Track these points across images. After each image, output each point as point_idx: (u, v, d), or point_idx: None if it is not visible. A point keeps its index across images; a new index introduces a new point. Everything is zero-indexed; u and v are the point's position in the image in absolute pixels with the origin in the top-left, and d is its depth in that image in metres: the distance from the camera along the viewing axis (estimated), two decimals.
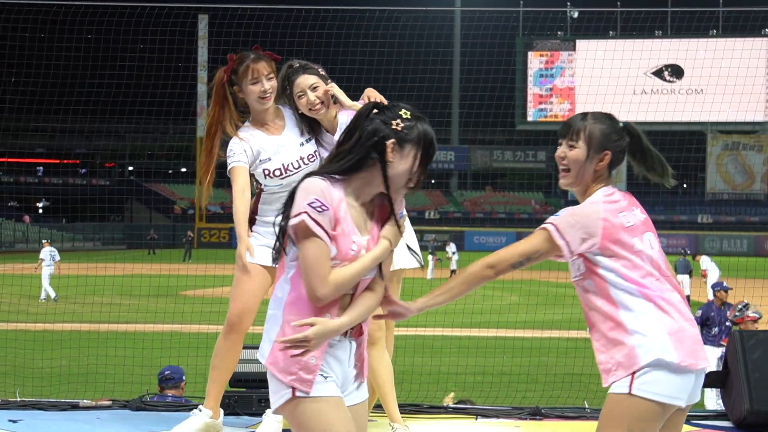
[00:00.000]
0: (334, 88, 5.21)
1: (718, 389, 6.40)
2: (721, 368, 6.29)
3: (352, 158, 3.38)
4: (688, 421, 6.16)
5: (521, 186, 75.40)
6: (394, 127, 3.40)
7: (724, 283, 14.34)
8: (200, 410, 5.25)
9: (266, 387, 5.95)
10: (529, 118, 72.16)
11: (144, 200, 66.02)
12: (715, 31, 67.09)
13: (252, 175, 5.25)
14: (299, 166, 5.18)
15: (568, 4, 61.85)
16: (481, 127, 68.40)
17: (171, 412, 6.22)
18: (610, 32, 68.16)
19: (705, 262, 27.17)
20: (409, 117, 3.43)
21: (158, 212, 65.47)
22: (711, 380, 6.25)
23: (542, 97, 72.08)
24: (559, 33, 70.93)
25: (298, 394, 3.40)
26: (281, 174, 5.18)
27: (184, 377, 8.44)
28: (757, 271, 18.81)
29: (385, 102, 3.78)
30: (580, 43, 70.65)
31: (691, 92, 69.24)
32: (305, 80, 5.21)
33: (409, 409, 6.29)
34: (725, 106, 69.78)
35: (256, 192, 5.29)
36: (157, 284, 19.63)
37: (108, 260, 33.12)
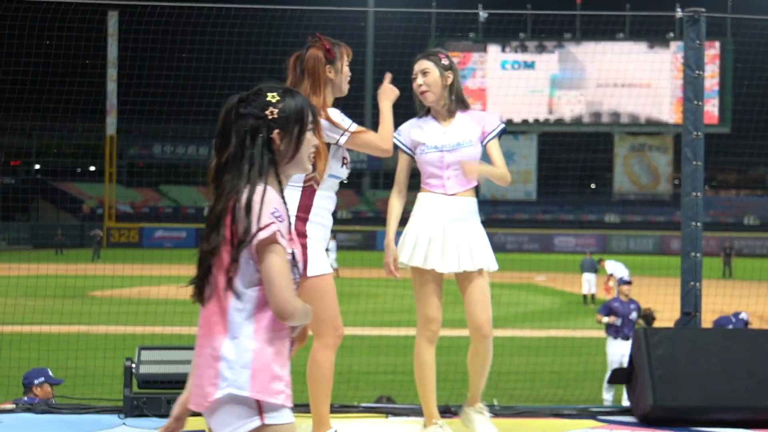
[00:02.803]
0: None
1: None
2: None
3: (253, 166, 3.19)
4: (593, 416, 6.28)
5: None
6: (270, 117, 3.24)
7: (625, 276, 14.50)
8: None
9: (176, 388, 5.90)
10: None
11: (51, 199, 64.71)
12: (622, 34, 68.42)
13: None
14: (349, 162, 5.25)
15: (480, 6, 62.40)
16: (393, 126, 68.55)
17: (78, 414, 6.12)
18: (521, 34, 69.01)
19: (610, 267, 27.73)
20: (278, 98, 3.26)
21: (66, 211, 64.22)
22: (616, 377, 6.37)
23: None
24: (470, 34, 71.52)
25: (268, 421, 3.13)
26: (348, 164, 5.24)
27: (41, 379, 8.28)
28: (661, 269, 19.23)
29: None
30: (492, 45, 71.37)
31: (599, 94, 70.47)
32: (420, 64, 5.45)
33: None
34: (632, 108, 71.26)
35: (305, 189, 4.94)
36: (64, 284, 19.25)
37: (13, 260, 32.39)
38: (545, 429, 5.99)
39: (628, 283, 14.22)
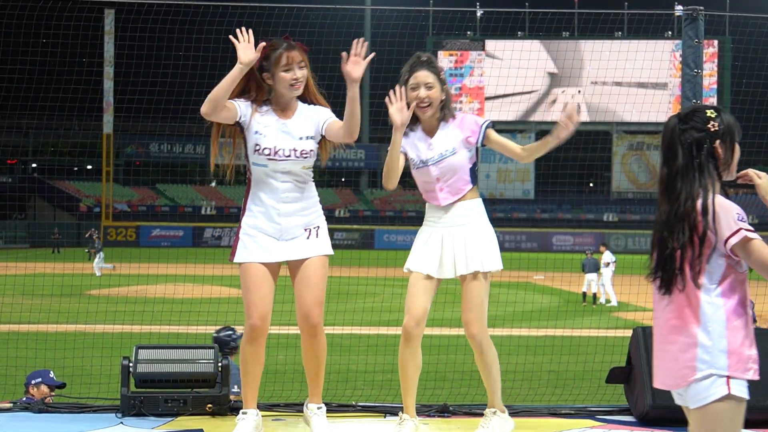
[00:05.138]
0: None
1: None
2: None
3: (702, 174, 3.68)
4: (592, 416, 6.27)
5: None
6: (712, 130, 3.73)
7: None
8: (245, 413, 5.36)
9: (173, 387, 5.89)
10: None
11: (48, 198, 64.65)
12: (620, 33, 68.42)
13: (243, 164, 5.36)
14: (289, 155, 5.26)
15: (477, 4, 62.40)
16: (390, 125, 68.60)
17: (74, 413, 6.10)
18: (519, 33, 69.01)
19: (608, 255, 27.89)
20: (715, 114, 3.74)
21: (63, 210, 64.16)
22: (614, 376, 6.36)
23: (452, 96, 72.62)
24: (468, 33, 71.54)
25: (734, 392, 3.65)
26: (270, 155, 5.26)
27: (37, 379, 8.25)
28: None
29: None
30: (489, 43, 71.39)
31: (597, 93, 70.50)
32: (425, 76, 5.43)
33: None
34: (630, 107, 71.27)
35: (246, 183, 5.38)
36: (61, 283, 19.23)
37: (10, 259, 32.40)
38: (543, 428, 5.98)
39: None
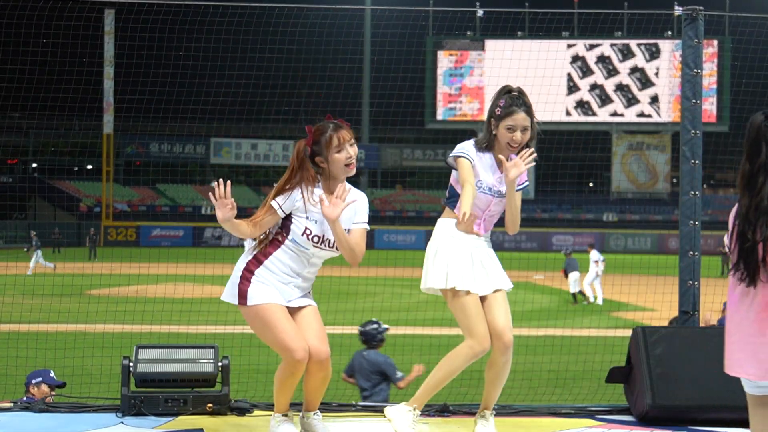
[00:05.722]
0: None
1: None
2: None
3: None
4: (591, 416, 6.27)
5: (431, 184, 75.81)
6: None
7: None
8: (277, 416, 5.42)
9: (173, 386, 5.91)
10: (439, 117, 72.63)
11: (48, 198, 64.64)
12: (620, 33, 68.39)
13: (285, 221, 5.29)
14: (334, 246, 5.26)
15: (477, 4, 62.38)
16: (390, 125, 68.59)
17: (74, 413, 6.11)
18: (519, 33, 68.99)
19: (595, 254, 28.18)
20: None
21: (63, 210, 64.16)
22: (614, 376, 6.36)
23: (452, 97, 72.58)
24: (468, 33, 71.51)
25: None
26: (318, 242, 5.26)
27: (38, 378, 8.27)
28: (660, 268, 19.22)
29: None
30: (489, 43, 71.37)
31: (597, 92, 70.49)
32: (523, 119, 5.39)
33: (319, 407, 6.29)
34: (630, 106, 71.22)
35: (274, 238, 5.32)
36: (61, 283, 19.24)
37: (10, 259, 32.36)
38: (543, 428, 5.98)
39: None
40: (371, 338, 10.12)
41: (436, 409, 6.30)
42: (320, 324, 5.34)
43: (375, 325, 10.14)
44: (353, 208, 5.33)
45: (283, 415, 5.43)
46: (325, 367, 5.30)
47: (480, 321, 5.42)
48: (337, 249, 5.27)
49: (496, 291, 5.51)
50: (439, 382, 5.55)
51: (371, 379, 10.02)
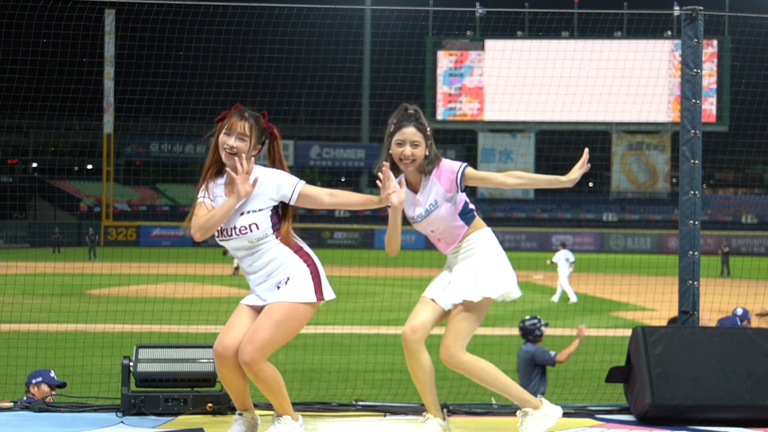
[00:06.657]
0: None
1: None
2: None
3: None
4: (591, 415, 6.28)
5: None
6: None
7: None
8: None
9: (174, 386, 5.91)
10: (439, 117, 72.62)
11: (48, 197, 64.67)
12: (620, 32, 68.41)
13: None
14: (231, 235, 5.21)
15: (477, 4, 62.43)
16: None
17: (75, 412, 6.11)
18: (518, 33, 69.00)
19: (565, 253, 28.59)
20: None
21: (63, 210, 64.20)
22: (614, 376, 6.36)
23: (451, 96, 72.58)
24: (468, 33, 71.53)
25: None
26: (218, 236, 5.24)
27: (38, 378, 8.27)
28: (659, 268, 19.24)
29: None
30: (489, 43, 71.39)
31: (597, 93, 70.56)
32: (411, 134, 5.37)
33: (318, 407, 6.30)
34: (630, 107, 71.22)
35: None
36: (61, 283, 19.25)
37: (11, 258, 32.36)
38: None
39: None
40: (528, 333, 10.47)
41: None
42: (262, 324, 5.11)
43: (535, 320, 10.49)
44: (269, 185, 5.18)
45: (238, 414, 5.42)
46: (250, 368, 5.09)
47: (416, 309, 5.63)
48: (240, 233, 5.15)
49: (457, 306, 5.50)
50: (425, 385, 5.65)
51: (525, 371, 10.31)
